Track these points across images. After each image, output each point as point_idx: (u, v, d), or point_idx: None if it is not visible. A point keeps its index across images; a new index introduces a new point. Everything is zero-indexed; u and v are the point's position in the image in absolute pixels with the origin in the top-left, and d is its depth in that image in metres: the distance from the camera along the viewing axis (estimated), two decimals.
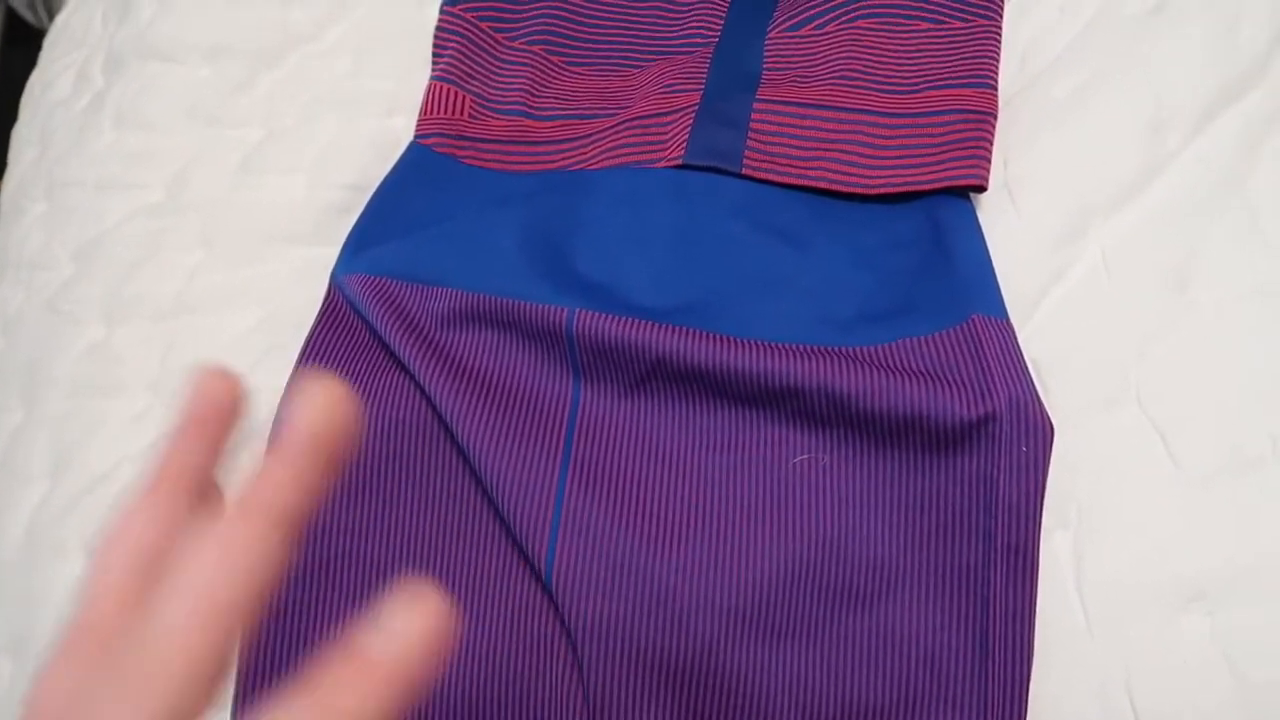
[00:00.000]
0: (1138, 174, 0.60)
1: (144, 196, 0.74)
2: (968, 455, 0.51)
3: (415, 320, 0.59)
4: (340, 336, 0.61)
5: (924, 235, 0.59)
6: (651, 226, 0.62)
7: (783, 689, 0.49)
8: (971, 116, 0.60)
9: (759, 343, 0.55)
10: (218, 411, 0.29)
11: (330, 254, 0.67)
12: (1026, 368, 0.53)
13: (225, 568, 0.25)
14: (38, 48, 0.94)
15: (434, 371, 0.57)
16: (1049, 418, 0.51)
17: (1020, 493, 0.50)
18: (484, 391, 0.57)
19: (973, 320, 0.54)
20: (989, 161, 0.59)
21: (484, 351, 0.59)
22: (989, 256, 0.57)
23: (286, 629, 0.54)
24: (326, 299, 0.63)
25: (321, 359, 0.60)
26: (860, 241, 0.60)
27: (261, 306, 0.68)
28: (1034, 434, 0.50)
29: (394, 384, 0.58)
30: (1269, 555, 0.50)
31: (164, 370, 0.67)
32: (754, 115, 0.64)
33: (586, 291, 0.59)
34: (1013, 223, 0.60)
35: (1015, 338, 0.54)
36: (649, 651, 0.49)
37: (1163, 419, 0.54)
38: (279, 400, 0.58)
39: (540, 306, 0.58)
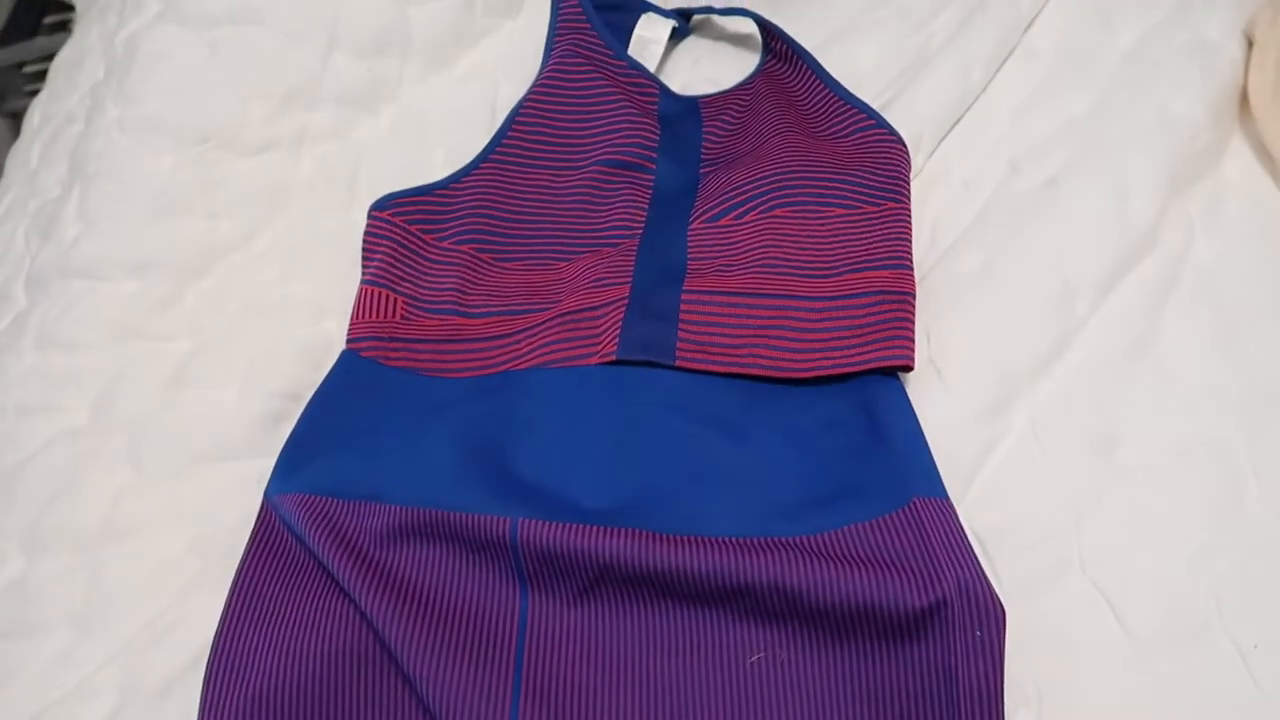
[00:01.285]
0: (1053, 342, 0.62)
1: (67, 419, 0.72)
2: (923, 644, 0.51)
3: (354, 540, 0.58)
4: (275, 560, 0.59)
5: (856, 415, 0.60)
6: (589, 426, 0.62)
7: None
8: (891, 297, 0.63)
9: (705, 540, 0.55)
10: None
11: (263, 466, 0.66)
12: (971, 548, 0.53)
13: None
14: None
15: (375, 595, 0.55)
16: (998, 599, 0.51)
17: (980, 677, 0.49)
18: (428, 614, 0.55)
19: (914, 503, 0.55)
20: (912, 341, 0.61)
21: (426, 569, 0.58)
22: (922, 433, 0.58)
23: None
24: (259, 520, 0.61)
25: (256, 586, 0.58)
26: (795, 426, 0.61)
27: (192, 527, 0.66)
28: (986, 617, 0.50)
29: (333, 610, 0.56)
30: None
31: (87, 603, 0.64)
32: (683, 307, 0.66)
33: (528, 497, 0.59)
34: (940, 397, 0.62)
35: (957, 517, 0.55)
36: None
37: (1108, 585, 0.54)
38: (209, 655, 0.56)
39: (482, 517, 0.57)
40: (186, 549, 0.65)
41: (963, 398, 0.61)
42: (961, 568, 0.52)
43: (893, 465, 0.57)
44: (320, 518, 0.59)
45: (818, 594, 0.52)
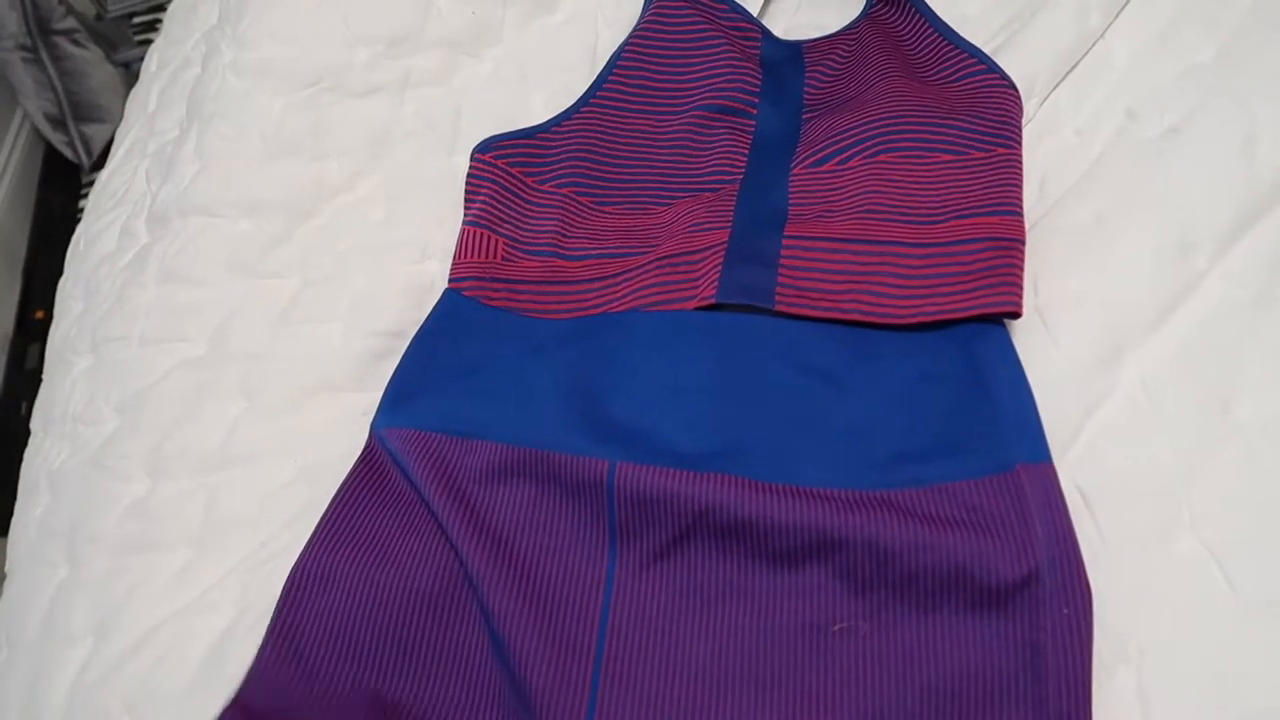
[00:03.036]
0: (1169, 296, 0.60)
1: (187, 350, 0.76)
2: (1011, 619, 0.50)
3: (455, 476, 0.60)
4: (372, 492, 0.62)
5: (961, 369, 0.59)
6: (686, 370, 0.62)
7: None
8: (1000, 243, 0.61)
9: (801, 491, 0.55)
10: None
11: (367, 400, 0.68)
12: (1070, 522, 0.52)
13: None
14: (76, 184, 0.97)
15: (469, 535, 0.57)
16: (1088, 581, 0.50)
17: (1069, 658, 0.49)
18: (519, 558, 0.57)
19: (1017, 471, 0.54)
20: (1021, 286, 0.60)
21: (522, 510, 0.59)
22: (1030, 391, 0.57)
23: None
24: (365, 450, 0.63)
25: (348, 513, 0.61)
26: (897, 378, 0.60)
27: (301, 457, 0.69)
28: (1075, 596, 0.50)
29: (418, 551, 0.59)
30: None
31: (205, 525, 0.67)
32: (783, 251, 0.65)
33: (624, 439, 0.59)
34: (1047, 349, 0.60)
35: (1059, 487, 0.53)
36: None
37: (1217, 545, 0.53)
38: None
39: (580, 459, 0.58)
40: (295, 477, 0.68)
41: (1070, 350, 0.60)
42: (1057, 543, 0.51)
43: (997, 425, 0.56)
44: (425, 452, 0.60)
45: (911, 556, 0.52)
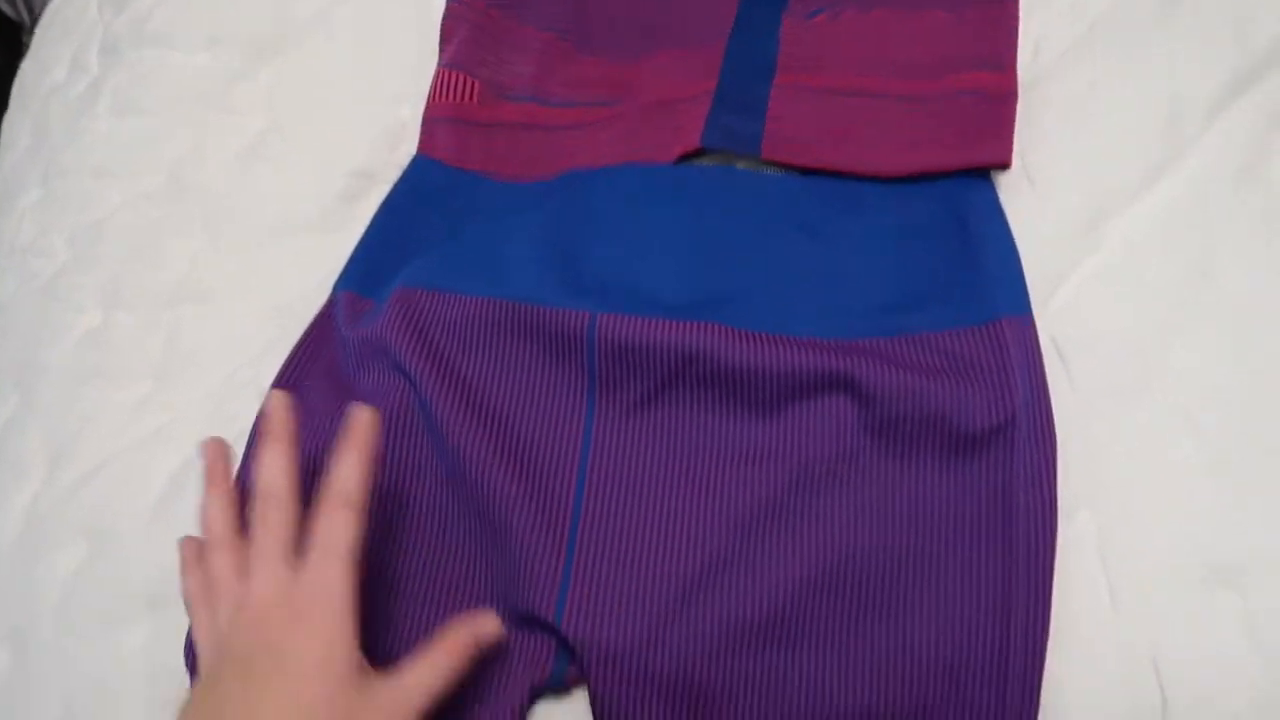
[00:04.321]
0: (1156, 162, 0.60)
1: (143, 183, 0.73)
2: (985, 462, 0.51)
3: (428, 330, 0.58)
4: (321, 357, 0.60)
5: (947, 222, 0.58)
6: (668, 223, 0.61)
7: (799, 698, 0.48)
8: (992, 97, 0.60)
9: (783, 338, 0.54)
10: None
11: (338, 241, 0.66)
12: (1044, 376, 0.53)
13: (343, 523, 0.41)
14: (16, 41, 0.92)
15: (445, 393, 0.55)
16: (1055, 429, 0.51)
17: (1038, 501, 0.50)
18: (496, 417, 0.55)
19: (1000, 322, 0.54)
20: (1011, 140, 0.59)
21: (498, 365, 0.57)
22: (1014, 246, 0.57)
23: None
24: (321, 312, 0.61)
25: (300, 370, 0.59)
26: (881, 229, 0.59)
27: (267, 296, 0.67)
28: (1045, 442, 0.50)
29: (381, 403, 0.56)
30: None
31: (166, 357, 0.65)
32: (772, 99, 0.64)
33: (604, 291, 0.58)
34: (1033, 207, 0.60)
35: (1038, 341, 0.54)
36: (665, 670, 0.48)
37: (1187, 402, 0.54)
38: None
39: (559, 311, 0.57)
40: (263, 316, 0.66)
41: (1055, 209, 0.59)
42: (1032, 391, 0.52)
43: (980, 277, 0.56)
44: (399, 307, 0.58)
45: (892, 401, 0.52)
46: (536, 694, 0.51)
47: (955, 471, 0.51)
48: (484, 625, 0.46)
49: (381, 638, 0.51)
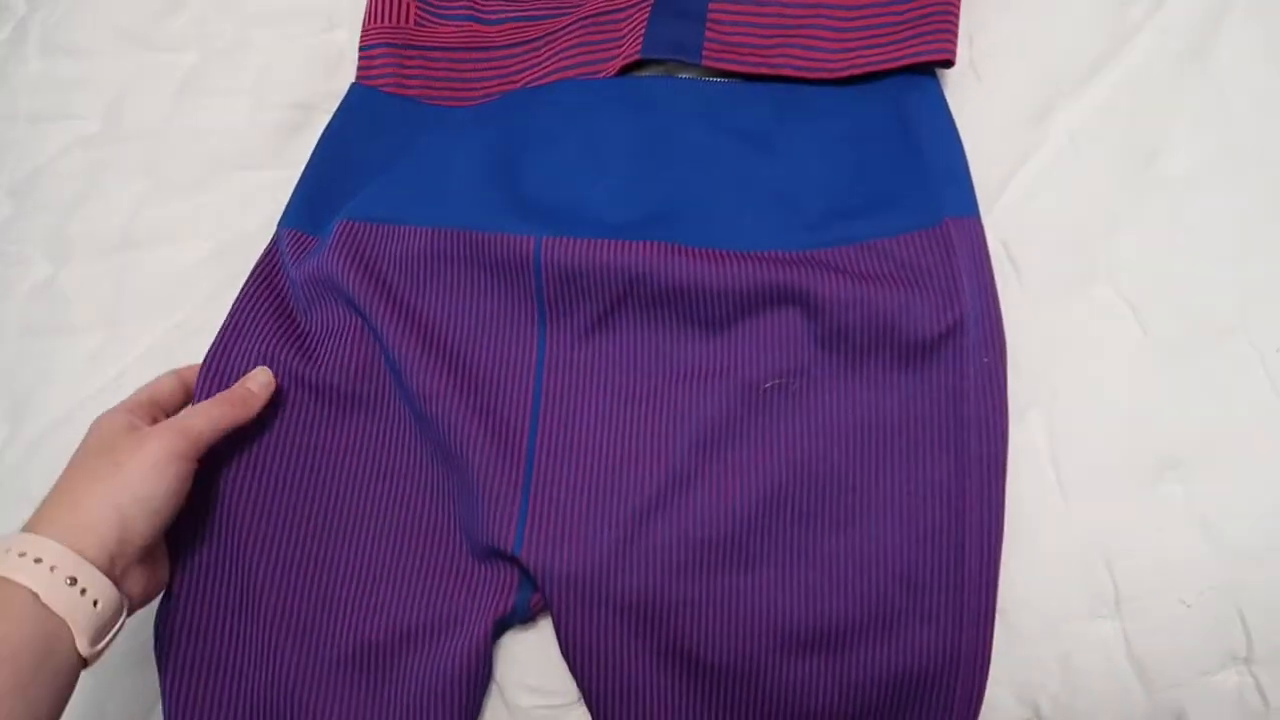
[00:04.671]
0: (1102, 48, 0.59)
1: (80, 127, 0.71)
2: (936, 368, 0.51)
3: (377, 264, 0.57)
4: (272, 294, 0.58)
5: (892, 125, 0.57)
6: (608, 139, 0.60)
7: (758, 614, 0.49)
8: None
9: (731, 254, 0.54)
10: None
11: (281, 177, 0.65)
12: (992, 278, 0.52)
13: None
14: None
15: (396, 327, 0.54)
16: (1003, 331, 0.51)
17: (989, 404, 0.50)
18: (449, 349, 0.55)
19: (946, 224, 0.53)
20: (955, 36, 0.58)
21: (448, 296, 0.57)
22: (961, 146, 0.56)
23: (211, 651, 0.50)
24: (266, 250, 0.60)
25: (248, 315, 0.57)
26: (826, 135, 0.58)
27: (213, 237, 0.66)
28: (994, 346, 0.51)
29: (320, 356, 0.56)
30: (1239, 421, 0.51)
31: (116, 306, 0.65)
32: (711, 5, 0.62)
33: (549, 214, 0.57)
34: (979, 101, 0.59)
35: (984, 241, 0.53)
36: (624, 592, 0.49)
37: (1134, 292, 0.54)
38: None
39: (505, 237, 0.56)
40: (209, 256, 0.65)
41: (1002, 103, 0.59)
42: (980, 293, 0.52)
43: (926, 179, 0.55)
44: (345, 242, 0.57)
45: (841, 311, 0.52)
46: (502, 626, 0.51)
47: (907, 380, 0.51)
48: (252, 378, 0.52)
49: (352, 573, 0.52)
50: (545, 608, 0.51)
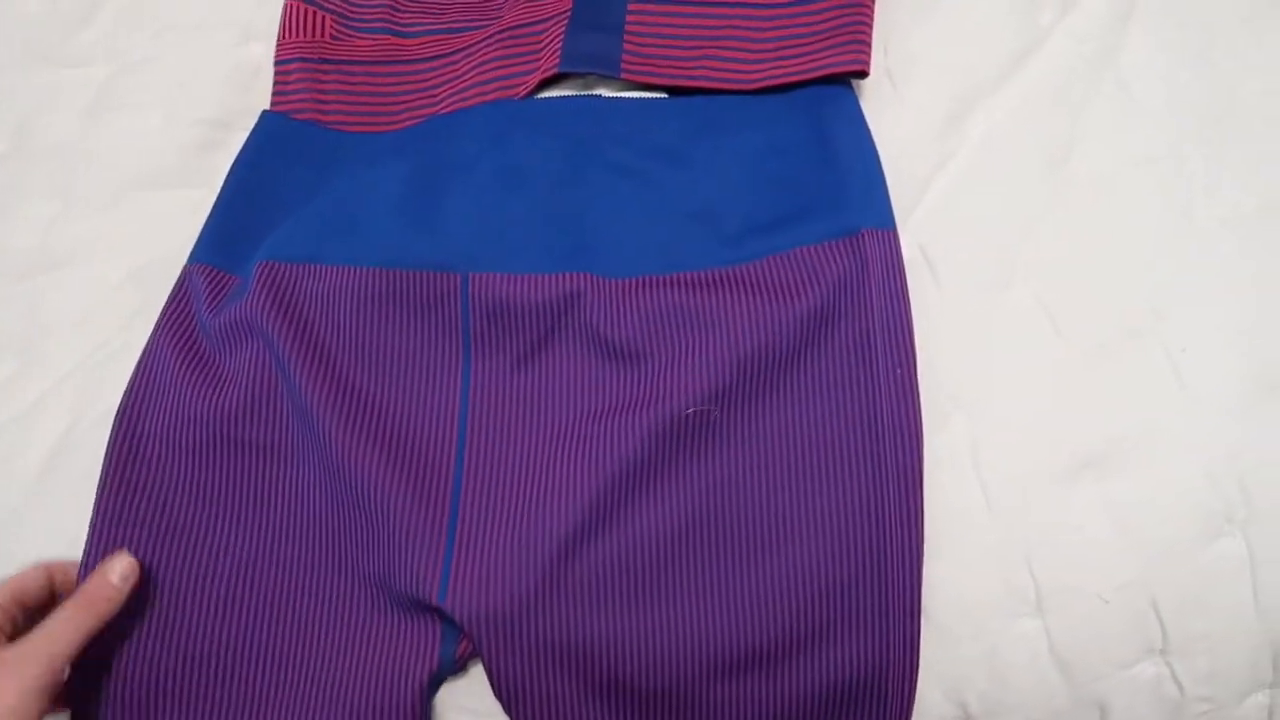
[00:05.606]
0: (1014, 52, 0.60)
1: None
2: (847, 383, 0.51)
3: (296, 304, 0.55)
4: (183, 332, 0.57)
5: (807, 137, 0.58)
6: (527, 165, 0.59)
7: (686, 642, 0.48)
8: (847, 4, 0.59)
9: (651, 281, 0.54)
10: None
11: (196, 197, 0.64)
12: (905, 289, 0.53)
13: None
14: None
15: (311, 370, 0.53)
16: (915, 343, 0.52)
17: (902, 415, 0.50)
18: (369, 402, 0.54)
19: (861, 235, 0.54)
20: (869, 46, 0.58)
21: (369, 335, 0.55)
22: (876, 155, 0.57)
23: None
24: (176, 287, 0.58)
25: (160, 356, 0.55)
26: (744, 151, 0.59)
27: (128, 257, 0.64)
28: (905, 356, 0.51)
29: (222, 395, 0.54)
30: (1152, 422, 0.52)
31: (29, 331, 0.63)
32: (629, 17, 0.62)
33: (471, 247, 0.56)
34: (896, 109, 0.60)
35: (900, 254, 0.54)
36: (552, 629, 0.48)
37: (1049, 296, 0.55)
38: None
39: (430, 274, 0.55)
40: (125, 278, 0.64)
41: (917, 111, 0.59)
42: (892, 304, 0.52)
43: (843, 191, 0.56)
44: (266, 283, 0.55)
45: (755, 332, 0.52)
46: (437, 680, 0.50)
47: (821, 396, 0.52)
48: (111, 569, 0.48)
49: (262, 631, 0.50)
50: (474, 653, 0.50)
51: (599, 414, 0.53)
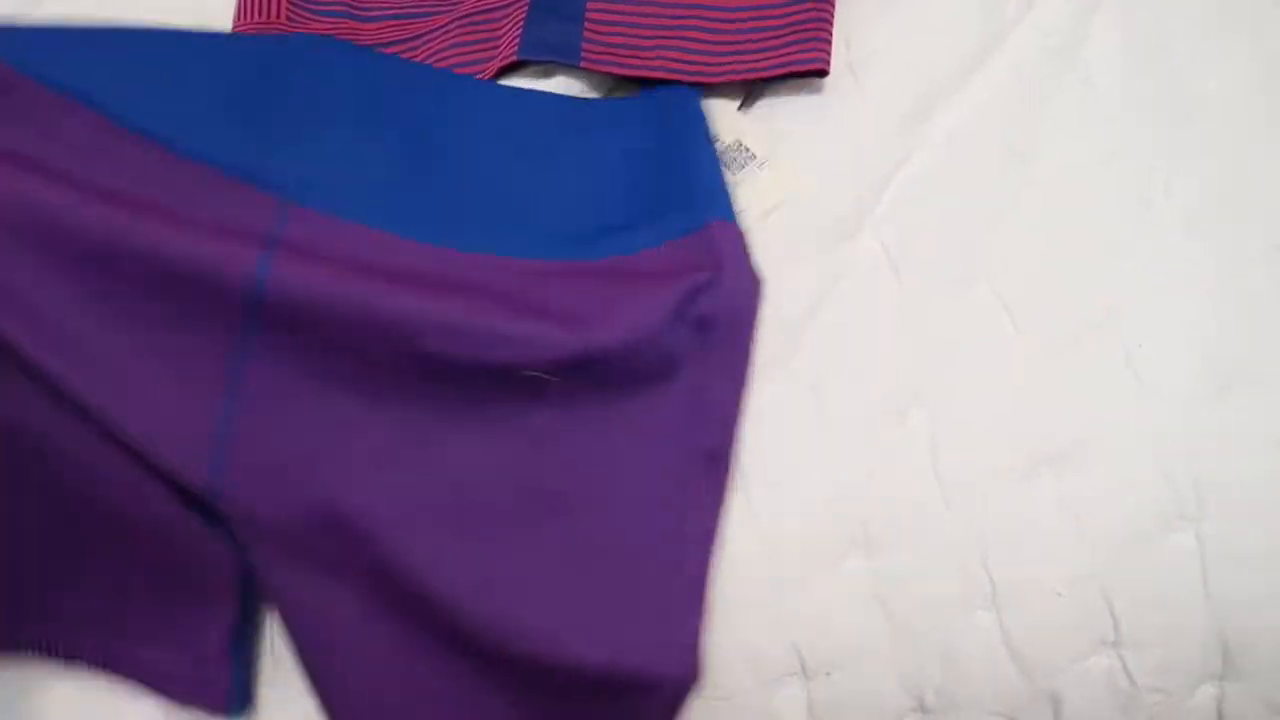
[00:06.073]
0: (977, 49, 0.60)
1: None
2: (686, 362, 0.51)
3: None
4: None
5: (660, 143, 0.58)
6: (393, 121, 0.58)
7: (470, 587, 0.47)
8: (809, 2, 0.59)
9: (497, 259, 0.53)
10: None
11: None
12: (755, 272, 0.53)
13: None
14: None
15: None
16: (755, 328, 0.52)
17: (728, 399, 0.51)
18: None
19: (709, 227, 0.53)
20: (830, 44, 0.58)
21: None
22: (716, 158, 0.57)
23: None
24: None
25: None
26: (605, 153, 0.59)
27: None
28: (745, 339, 0.51)
29: None
30: (1107, 419, 0.52)
31: None
32: (589, 6, 0.61)
33: (297, 180, 0.52)
34: (859, 104, 0.59)
35: (746, 246, 0.53)
36: (329, 545, 0.48)
37: (1008, 293, 0.55)
38: None
39: (245, 187, 0.50)
40: None
41: (880, 107, 0.59)
42: (738, 286, 0.52)
43: (692, 193, 0.56)
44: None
45: (592, 327, 0.49)
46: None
47: (651, 386, 0.51)
48: None
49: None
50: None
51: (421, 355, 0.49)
